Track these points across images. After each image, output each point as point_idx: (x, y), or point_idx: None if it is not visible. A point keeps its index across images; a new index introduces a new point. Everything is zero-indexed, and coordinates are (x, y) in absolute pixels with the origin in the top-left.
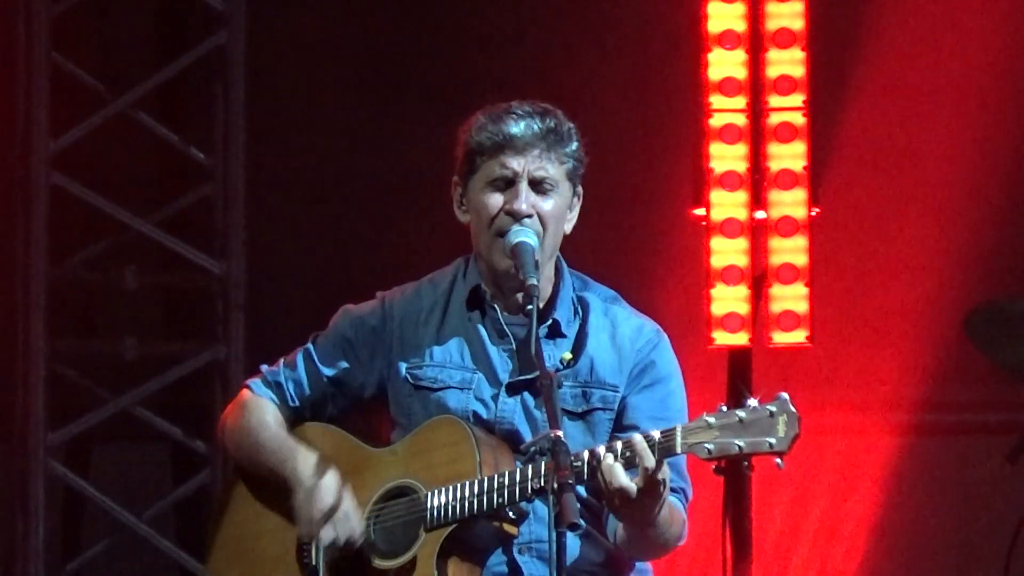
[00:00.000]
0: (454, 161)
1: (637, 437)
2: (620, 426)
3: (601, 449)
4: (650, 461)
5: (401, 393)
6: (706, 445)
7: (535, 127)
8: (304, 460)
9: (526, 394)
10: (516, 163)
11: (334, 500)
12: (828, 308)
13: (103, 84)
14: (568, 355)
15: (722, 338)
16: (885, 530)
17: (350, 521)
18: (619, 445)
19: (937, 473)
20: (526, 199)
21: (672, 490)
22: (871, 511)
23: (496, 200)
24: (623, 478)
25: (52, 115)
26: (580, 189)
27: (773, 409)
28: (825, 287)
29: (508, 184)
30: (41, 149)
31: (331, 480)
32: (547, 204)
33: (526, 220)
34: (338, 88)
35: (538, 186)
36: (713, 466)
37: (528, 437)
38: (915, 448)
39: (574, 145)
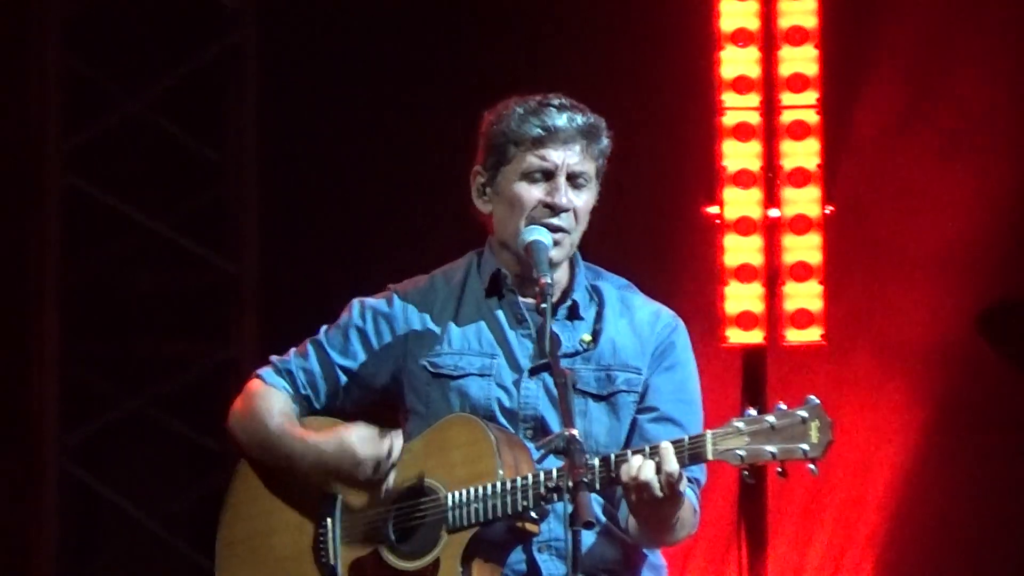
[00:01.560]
0: (474, 149)
1: (665, 443)
2: (641, 408)
3: (617, 454)
4: (673, 466)
5: (419, 381)
6: (738, 452)
7: (578, 121)
8: (316, 433)
9: (547, 377)
10: (557, 156)
11: (357, 427)
12: (842, 306)
13: (115, 84)
14: (587, 336)
15: (736, 336)
16: (901, 528)
17: (387, 435)
18: (647, 448)
19: (953, 471)
20: (565, 193)
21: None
22: (887, 510)
23: (534, 192)
24: (650, 472)
25: (65, 116)
26: (600, 187)
27: (805, 415)
28: (839, 285)
29: (547, 177)
30: (54, 150)
31: (344, 425)
32: (580, 199)
33: (563, 214)
34: (351, 87)
35: (574, 180)
36: (744, 472)
37: (553, 421)
38: (930, 446)
39: (606, 142)
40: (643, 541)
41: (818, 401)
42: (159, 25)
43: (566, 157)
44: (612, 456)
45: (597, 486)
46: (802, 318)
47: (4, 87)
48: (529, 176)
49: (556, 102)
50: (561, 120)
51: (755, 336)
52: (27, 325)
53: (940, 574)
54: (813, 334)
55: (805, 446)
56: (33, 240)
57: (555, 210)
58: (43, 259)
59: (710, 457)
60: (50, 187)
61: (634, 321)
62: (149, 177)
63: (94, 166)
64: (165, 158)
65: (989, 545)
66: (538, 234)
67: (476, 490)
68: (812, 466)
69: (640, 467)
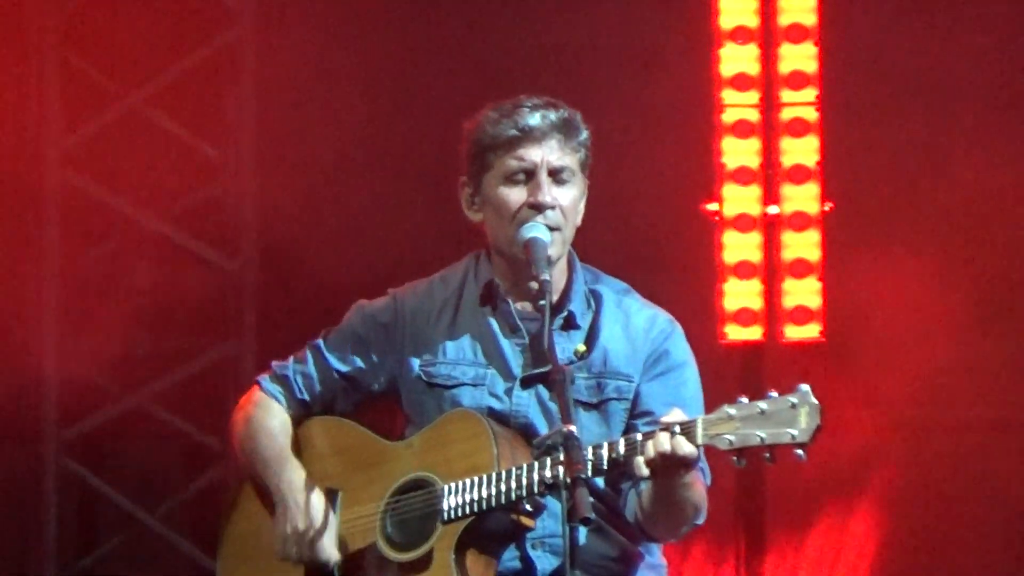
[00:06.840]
0: (460, 161)
1: (660, 431)
2: (634, 413)
3: (621, 442)
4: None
5: (414, 390)
6: (727, 436)
7: (551, 117)
8: (293, 477)
9: (540, 387)
10: (535, 154)
11: (310, 522)
12: (841, 303)
13: (114, 81)
14: (582, 347)
15: (735, 333)
16: (898, 525)
17: (322, 548)
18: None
19: (950, 468)
20: (548, 191)
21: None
22: (884, 506)
23: (517, 194)
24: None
25: (64, 112)
26: (587, 180)
27: (795, 400)
28: (838, 282)
29: (528, 177)
30: (53, 146)
31: (315, 502)
32: (566, 195)
33: (549, 212)
34: (348, 84)
35: (557, 176)
36: (734, 458)
37: (543, 430)
38: (928, 443)
39: (585, 134)
40: (657, 524)
41: (808, 388)
42: (158, 22)
43: (544, 154)
44: (606, 443)
45: (596, 473)
46: (801, 315)
47: (3, 84)
48: (510, 179)
49: (528, 103)
50: (534, 119)
51: (754, 333)
52: (26, 322)
53: (938, 569)
54: (812, 331)
55: (794, 431)
56: (32, 236)
57: (540, 208)
58: (42, 255)
59: (699, 442)
60: (49, 183)
61: (629, 327)
62: (148, 173)
63: (93, 163)
64: (164, 154)
65: (986, 542)
66: (537, 231)
67: (472, 481)
68: (800, 451)
69: (677, 441)
